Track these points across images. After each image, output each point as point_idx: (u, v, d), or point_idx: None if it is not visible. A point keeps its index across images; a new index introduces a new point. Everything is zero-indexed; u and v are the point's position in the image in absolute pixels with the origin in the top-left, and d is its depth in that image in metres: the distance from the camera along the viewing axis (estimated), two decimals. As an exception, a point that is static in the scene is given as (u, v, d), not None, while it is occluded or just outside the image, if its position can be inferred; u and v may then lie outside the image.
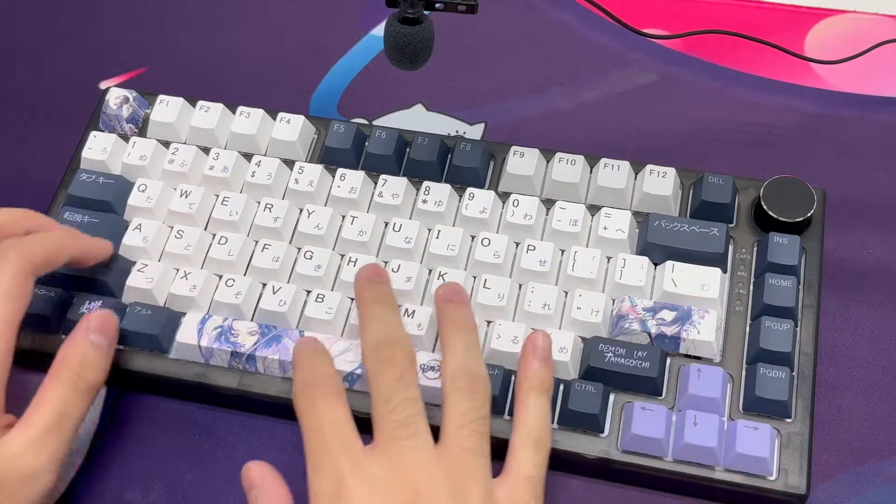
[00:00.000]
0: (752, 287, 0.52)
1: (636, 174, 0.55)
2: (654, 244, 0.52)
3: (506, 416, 0.49)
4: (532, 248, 0.53)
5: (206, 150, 0.58)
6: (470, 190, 0.55)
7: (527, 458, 0.45)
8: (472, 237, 0.54)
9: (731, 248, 0.53)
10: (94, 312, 0.49)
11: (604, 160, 0.55)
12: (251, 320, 0.52)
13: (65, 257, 0.50)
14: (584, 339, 0.51)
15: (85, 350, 0.48)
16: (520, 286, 0.52)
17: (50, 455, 0.45)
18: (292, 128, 0.58)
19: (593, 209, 0.54)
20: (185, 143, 0.59)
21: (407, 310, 0.51)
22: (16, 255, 0.47)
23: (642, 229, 0.53)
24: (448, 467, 0.43)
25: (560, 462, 0.46)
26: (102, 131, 0.59)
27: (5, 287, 0.46)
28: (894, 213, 0.58)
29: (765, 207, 0.53)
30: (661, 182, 0.54)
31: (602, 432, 0.48)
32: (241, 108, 0.59)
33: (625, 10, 0.65)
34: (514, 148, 0.56)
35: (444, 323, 0.48)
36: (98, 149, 0.58)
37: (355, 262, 0.53)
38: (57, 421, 0.46)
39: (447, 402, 0.45)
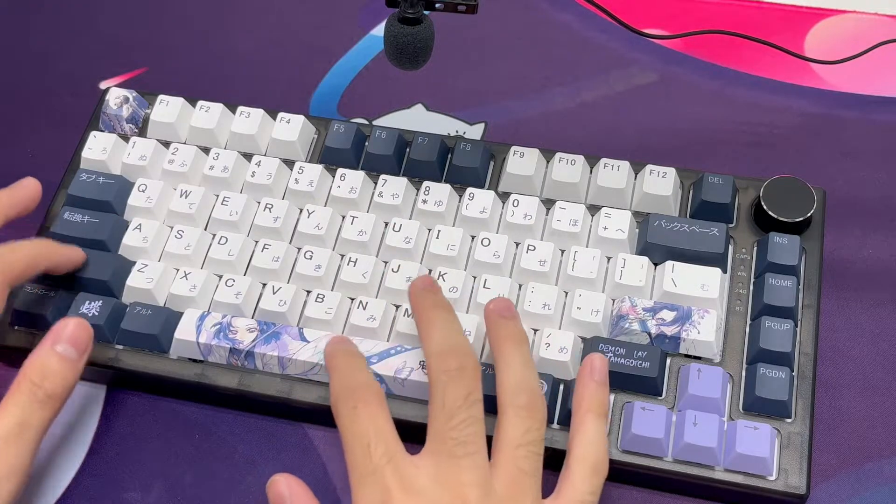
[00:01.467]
0: (752, 287, 0.52)
1: (636, 174, 0.55)
2: (654, 244, 0.52)
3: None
4: (532, 248, 0.53)
5: (206, 150, 0.58)
6: (470, 190, 0.55)
7: (582, 483, 0.44)
8: (472, 237, 0.54)
9: (731, 248, 0.53)
10: (66, 321, 0.49)
11: (604, 160, 0.55)
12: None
13: (42, 267, 0.51)
14: (584, 339, 0.51)
15: (47, 361, 0.47)
16: (520, 286, 0.52)
17: (10, 464, 0.45)
18: (292, 128, 0.58)
19: (593, 209, 0.54)
20: (185, 143, 0.59)
21: (407, 310, 0.51)
22: None
23: (642, 229, 0.53)
24: (501, 487, 0.42)
25: (560, 462, 0.46)
26: (102, 131, 0.59)
27: None
28: (894, 213, 0.58)
29: (765, 207, 0.53)
30: (661, 182, 0.54)
31: (602, 432, 0.48)
32: (241, 108, 0.59)
33: (625, 10, 0.65)
34: (514, 148, 0.56)
35: (497, 338, 0.47)
36: (98, 149, 0.58)
37: (355, 263, 0.53)
38: (16, 431, 0.45)
39: (506, 420, 0.44)
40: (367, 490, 0.42)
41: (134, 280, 0.53)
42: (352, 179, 0.56)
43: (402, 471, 0.42)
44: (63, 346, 0.48)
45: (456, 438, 0.42)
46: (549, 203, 0.55)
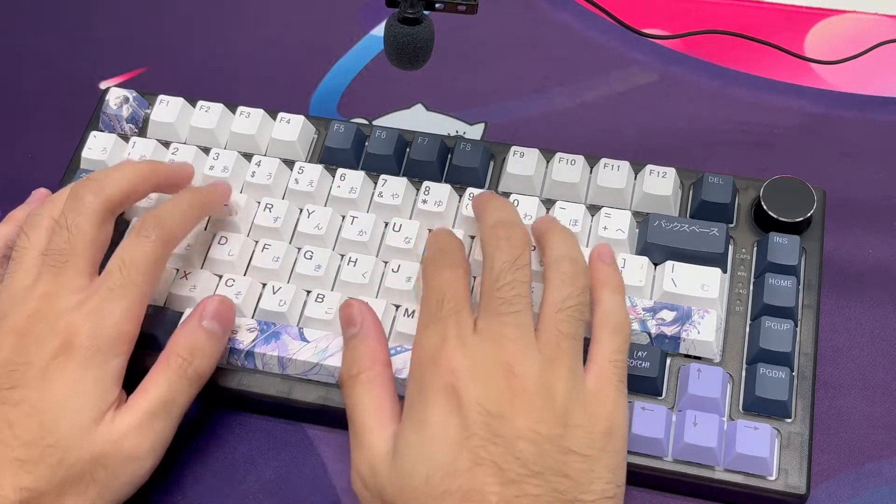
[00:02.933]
0: (752, 287, 0.52)
1: (636, 174, 0.55)
2: (654, 244, 0.52)
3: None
4: (533, 247, 0.53)
5: (206, 150, 0.58)
6: (470, 190, 0.55)
7: (608, 344, 0.46)
8: (472, 237, 0.54)
9: (731, 248, 0.53)
10: (210, 298, 0.50)
11: (604, 160, 0.55)
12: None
13: (145, 190, 0.51)
14: (585, 339, 0.50)
15: (196, 338, 0.48)
16: (520, 286, 0.52)
17: (153, 440, 0.46)
18: (292, 128, 0.58)
19: (593, 209, 0.54)
20: (185, 143, 0.59)
21: (407, 310, 0.51)
22: (93, 195, 0.48)
23: (642, 229, 0.53)
24: (542, 348, 0.44)
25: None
26: (102, 131, 0.59)
27: (88, 234, 0.48)
28: (894, 213, 0.58)
29: (765, 207, 0.53)
30: (661, 182, 0.54)
31: (602, 432, 0.48)
32: (241, 108, 0.59)
33: (625, 10, 0.65)
34: (514, 148, 0.56)
35: (542, 229, 0.50)
36: (98, 149, 0.58)
37: (355, 263, 0.53)
38: (162, 407, 0.46)
39: (548, 287, 0.46)
40: (429, 333, 0.45)
41: (134, 280, 0.53)
42: (352, 179, 0.56)
43: (461, 325, 0.44)
44: (209, 322, 0.49)
45: (502, 298, 0.45)
46: (549, 203, 0.55)
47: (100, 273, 0.48)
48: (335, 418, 0.49)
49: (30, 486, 0.43)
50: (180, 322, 0.50)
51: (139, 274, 0.47)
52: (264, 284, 0.53)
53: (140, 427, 0.46)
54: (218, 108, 0.59)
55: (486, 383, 0.42)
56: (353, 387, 0.46)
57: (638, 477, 0.48)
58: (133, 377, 0.47)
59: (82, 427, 0.45)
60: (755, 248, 0.53)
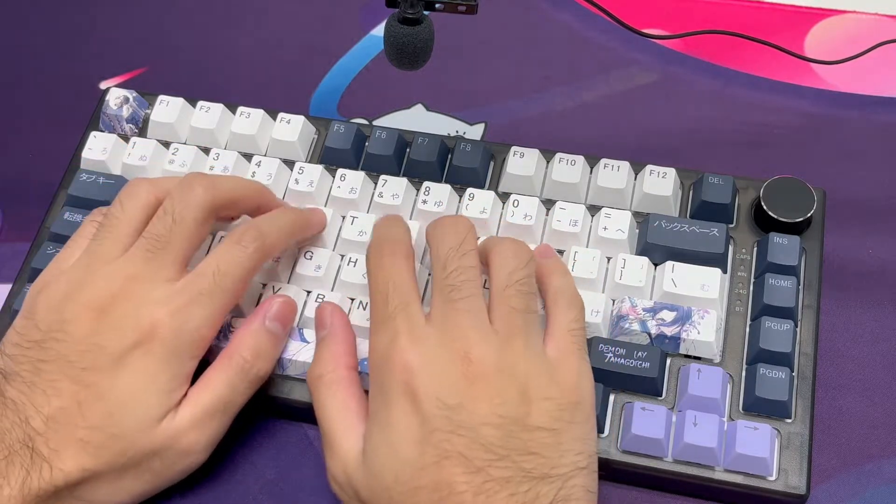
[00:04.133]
0: (752, 287, 0.52)
1: (636, 174, 0.55)
2: (654, 244, 0.52)
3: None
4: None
5: (207, 151, 0.58)
6: (470, 190, 0.55)
7: (563, 315, 0.46)
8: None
9: (731, 248, 0.53)
10: (274, 298, 0.50)
11: (604, 160, 0.55)
12: (251, 320, 0.52)
13: (248, 206, 0.51)
14: (584, 340, 0.51)
15: (261, 339, 0.48)
16: (520, 286, 0.52)
17: (208, 438, 0.47)
18: (292, 128, 0.58)
19: (593, 209, 0.54)
20: (185, 144, 0.59)
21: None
22: (204, 190, 0.48)
23: (642, 229, 0.53)
24: (497, 328, 0.44)
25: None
26: (102, 131, 0.59)
27: (190, 227, 0.48)
28: (894, 213, 0.58)
29: (765, 207, 0.53)
30: (661, 182, 0.54)
31: (602, 432, 0.48)
32: (241, 109, 0.59)
33: (625, 10, 0.65)
34: (514, 148, 0.56)
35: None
36: (98, 149, 0.58)
37: (355, 263, 0.53)
38: (221, 407, 0.47)
39: (492, 266, 0.46)
40: (380, 335, 0.44)
41: (134, 280, 0.53)
42: (352, 180, 0.56)
43: (412, 319, 0.44)
44: (273, 322, 0.49)
45: (451, 285, 0.45)
46: (549, 203, 0.55)
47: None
48: (335, 418, 0.49)
49: (90, 468, 0.44)
50: (244, 321, 0.50)
51: (231, 283, 0.47)
52: (264, 285, 0.53)
53: (198, 424, 0.46)
54: (218, 108, 0.59)
55: (441, 375, 0.42)
56: (317, 389, 0.46)
57: (638, 477, 0.49)
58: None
59: (148, 423, 0.45)
60: (755, 249, 0.53)
